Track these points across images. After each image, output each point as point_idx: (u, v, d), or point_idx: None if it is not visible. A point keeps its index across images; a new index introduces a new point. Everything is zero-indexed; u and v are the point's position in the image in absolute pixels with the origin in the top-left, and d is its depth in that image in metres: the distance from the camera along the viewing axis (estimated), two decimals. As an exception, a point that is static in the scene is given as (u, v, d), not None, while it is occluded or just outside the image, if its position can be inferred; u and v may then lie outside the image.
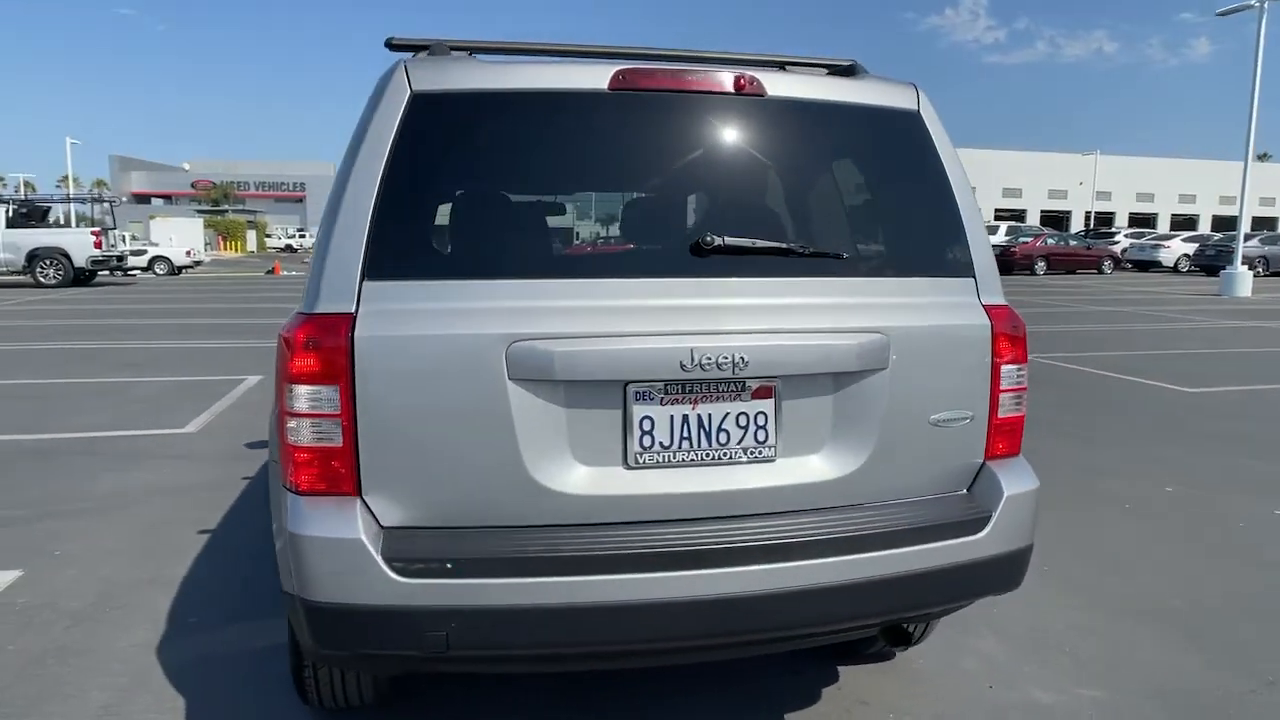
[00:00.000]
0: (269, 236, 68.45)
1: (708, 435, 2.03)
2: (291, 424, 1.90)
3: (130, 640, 3.06)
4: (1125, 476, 5.24)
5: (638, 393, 1.98)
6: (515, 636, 1.89)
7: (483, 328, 1.91)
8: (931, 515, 2.13)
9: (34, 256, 20.45)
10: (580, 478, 1.97)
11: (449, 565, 1.84)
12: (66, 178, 43.90)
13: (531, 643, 1.91)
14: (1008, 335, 2.24)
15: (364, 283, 1.92)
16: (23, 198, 26.83)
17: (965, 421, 2.21)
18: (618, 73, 2.06)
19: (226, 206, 66.45)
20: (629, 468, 2.00)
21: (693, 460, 2.02)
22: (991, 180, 57.38)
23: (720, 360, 1.96)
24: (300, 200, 76.52)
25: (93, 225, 23.88)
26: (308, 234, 68.21)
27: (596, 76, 2.06)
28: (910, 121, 2.26)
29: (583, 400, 1.96)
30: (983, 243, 2.28)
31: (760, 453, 2.06)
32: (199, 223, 56.27)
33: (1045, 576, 3.73)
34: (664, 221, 2.29)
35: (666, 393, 2.00)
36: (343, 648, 1.91)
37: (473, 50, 2.17)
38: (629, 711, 2.68)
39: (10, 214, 20.79)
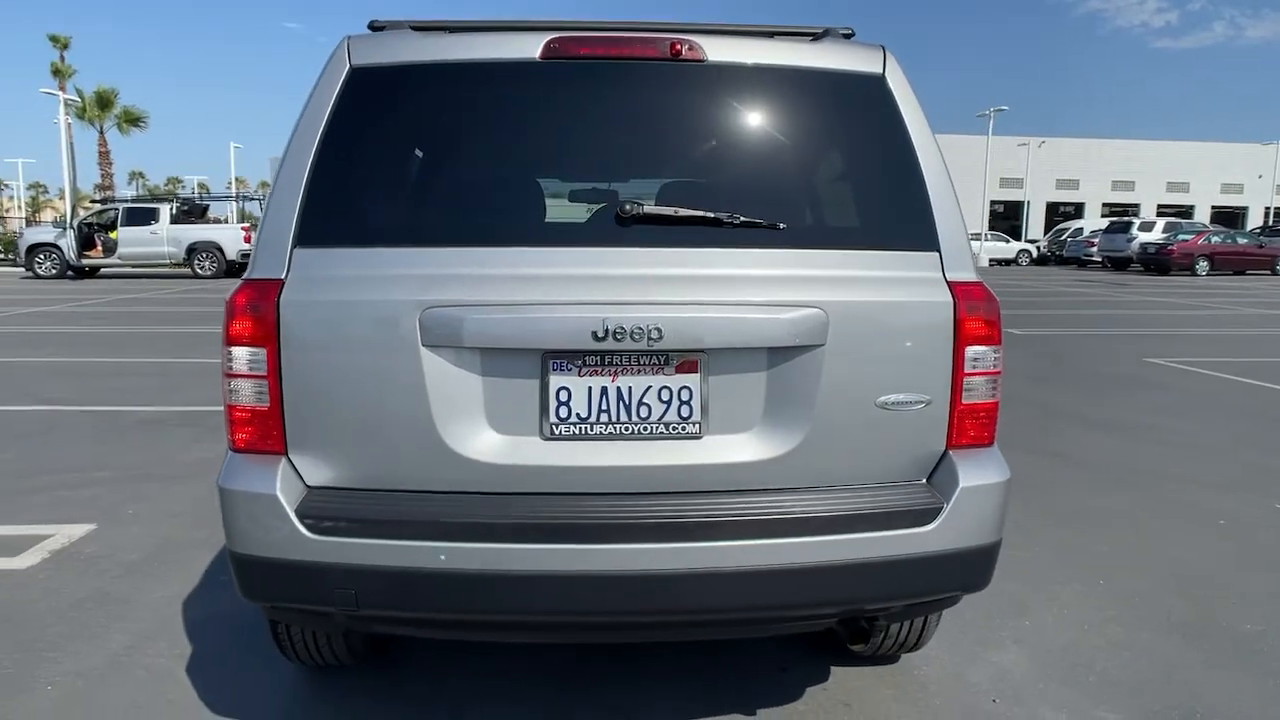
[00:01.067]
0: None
1: (627, 409, 1.97)
2: (229, 385, 1.99)
3: (164, 592, 3.30)
4: (1234, 491, 4.71)
5: (555, 363, 1.95)
6: (420, 600, 1.91)
7: (398, 294, 1.93)
8: (875, 503, 1.99)
9: (193, 250, 22.42)
10: (495, 446, 1.96)
11: (356, 525, 1.88)
12: (232, 180, 47.95)
13: (436, 607, 1.92)
14: (974, 315, 2.06)
15: (294, 250, 1.99)
16: (185, 196, 29.46)
17: (920, 406, 2.04)
18: (549, 41, 2.03)
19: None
20: (545, 438, 1.97)
21: (611, 434, 1.97)
22: (1155, 174, 52.97)
23: (634, 330, 1.90)
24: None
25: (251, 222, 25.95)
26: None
27: (528, 46, 2.04)
28: (873, 86, 2.11)
29: (500, 369, 1.95)
30: (952, 216, 2.10)
31: (684, 429, 1.98)
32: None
33: (1095, 590, 3.41)
34: (586, 190, 2.25)
35: (585, 364, 1.95)
36: (264, 598, 1.99)
37: (441, 28, 2.20)
38: (597, 693, 2.65)
39: (174, 212, 22.88)
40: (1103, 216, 42.59)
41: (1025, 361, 9.28)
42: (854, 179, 2.22)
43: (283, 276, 1.98)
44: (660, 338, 1.91)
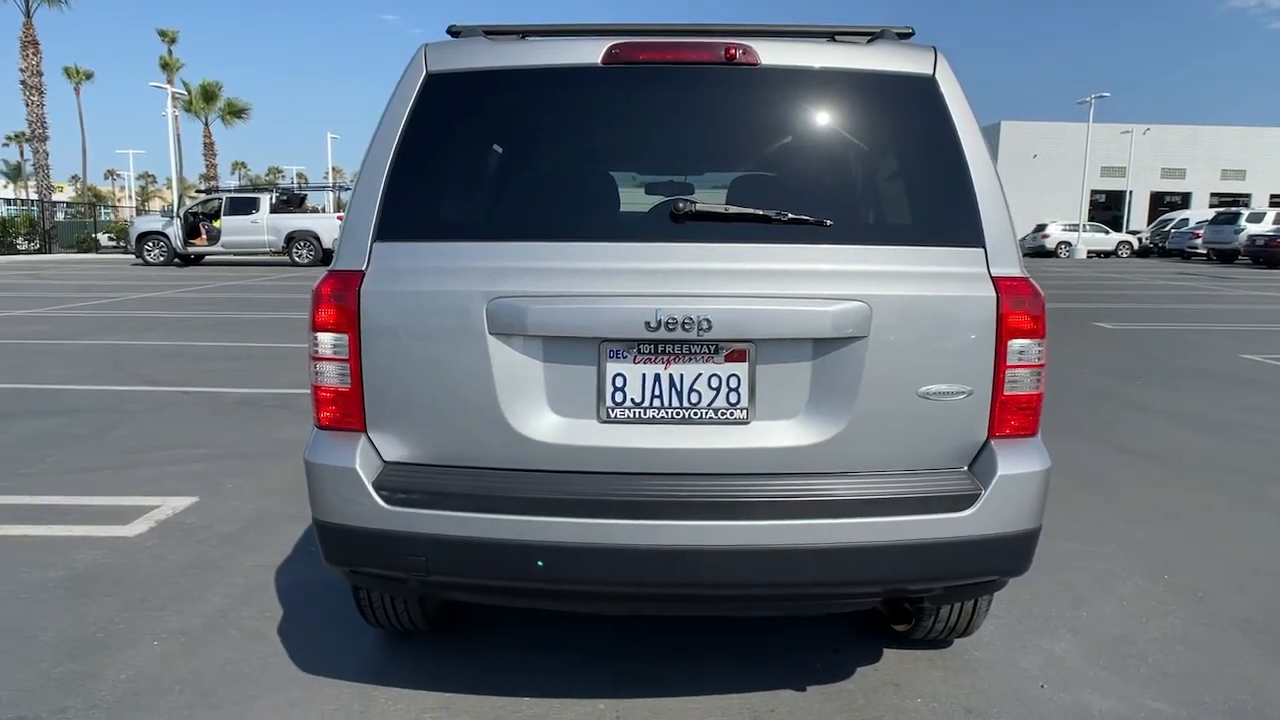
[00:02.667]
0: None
1: (679, 394, 2.09)
2: (315, 367, 2.19)
3: (256, 561, 3.58)
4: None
5: (611, 351, 2.08)
6: (485, 568, 2.07)
7: (467, 285, 2.09)
8: (913, 488, 2.06)
9: (291, 238, 23.49)
10: (555, 427, 2.11)
11: (427, 497, 2.05)
12: (329, 170, 49.79)
13: (500, 575, 2.08)
14: (1018, 309, 2.10)
15: (374, 244, 2.17)
16: (284, 186, 30.84)
17: (962, 396, 2.10)
18: (611, 47, 2.15)
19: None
20: (602, 421, 2.11)
21: (664, 418, 2.10)
22: (1269, 163, 49.77)
23: (685, 321, 2.01)
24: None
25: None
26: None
27: (592, 51, 2.16)
28: (923, 86, 2.17)
29: (560, 355, 2.10)
30: (998, 212, 2.14)
31: (732, 414, 2.09)
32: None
33: (1159, 585, 3.37)
34: (650, 188, 2.35)
35: (639, 352, 2.08)
36: (344, 563, 2.18)
37: (512, 33, 2.34)
38: (651, 663, 2.78)
39: (274, 201, 24.01)
40: (1210, 207, 40.29)
41: (1115, 356, 9.00)
42: (902, 177, 2.27)
43: (363, 268, 2.16)
44: (709, 328, 2.02)
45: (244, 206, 23.64)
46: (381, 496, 2.07)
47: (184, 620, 3.08)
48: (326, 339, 2.15)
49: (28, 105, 29.24)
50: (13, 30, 33.33)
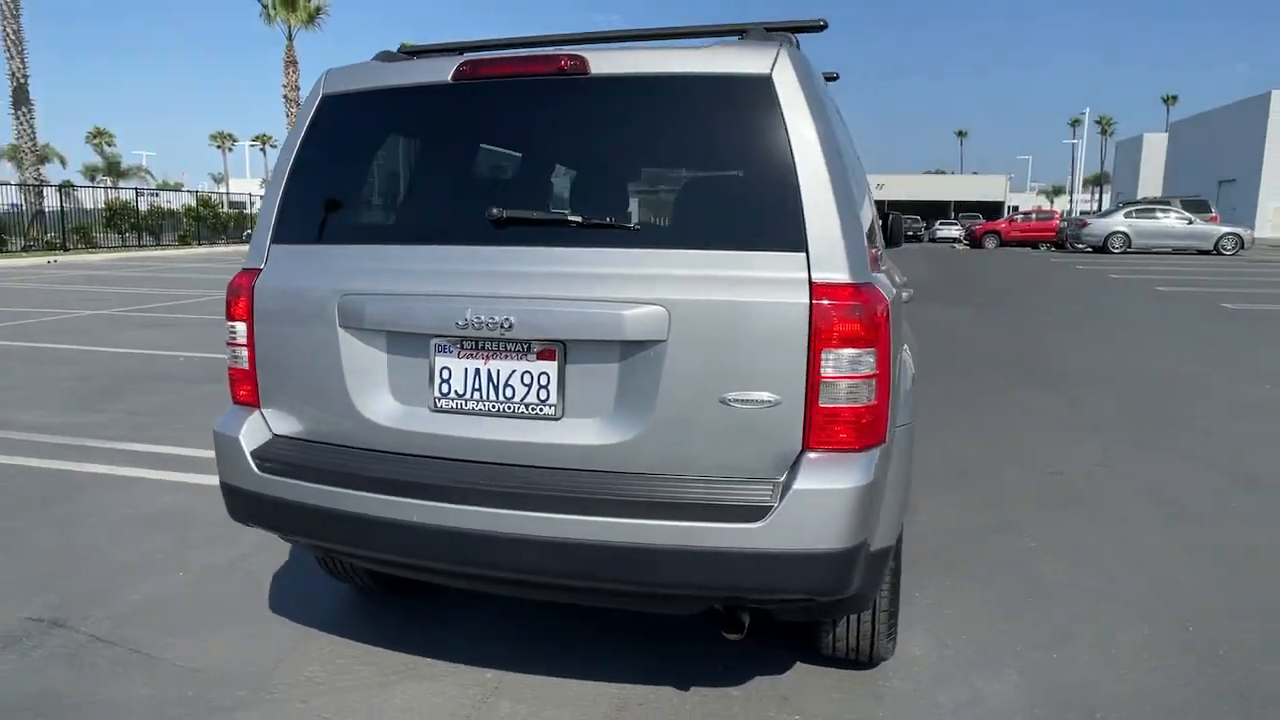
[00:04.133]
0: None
1: (496, 389, 2.20)
2: (229, 351, 2.53)
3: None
4: None
5: (439, 346, 2.24)
6: (328, 533, 2.31)
7: (326, 283, 2.33)
8: (708, 495, 2.04)
9: None
10: (393, 414, 2.30)
11: (285, 467, 2.32)
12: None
13: (339, 541, 2.31)
14: (838, 316, 2.01)
15: (271, 245, 2.46)
16: None
17: (768, 405, 2.04)
18: (460, 65, 2.29)
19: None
20: (432, 410, 2.27)
21: (483, 410, 2.22)
22: None
23: (489, 321, 2.12)
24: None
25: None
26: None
27: (445, 69, 2.31)
28: (756, 87, 2.10)
29: (399, 348, 2.29)
30: (828, 217, 2.04)
31: (542, 410, 2.17)
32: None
33: (1171, 633, 3.00)
34: (491, 195, 2.45)
35: (462, 348, 2.22)
36: (236, 518, 2.50)
37: (405, 54, 2.55)
38: (549, 646, 2.90)
39: None
40: None
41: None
42: (725, 180, 2.22)
43: (261, 266, 2.46)
44: (510, 328, 2.12)
45: None
46: (256, 464, 2.37)
47: (212, 559, 3.60)
48: (232, 327, 2.48)
49: (288, 116, 33.25)
50: (277, 52, 38.06)
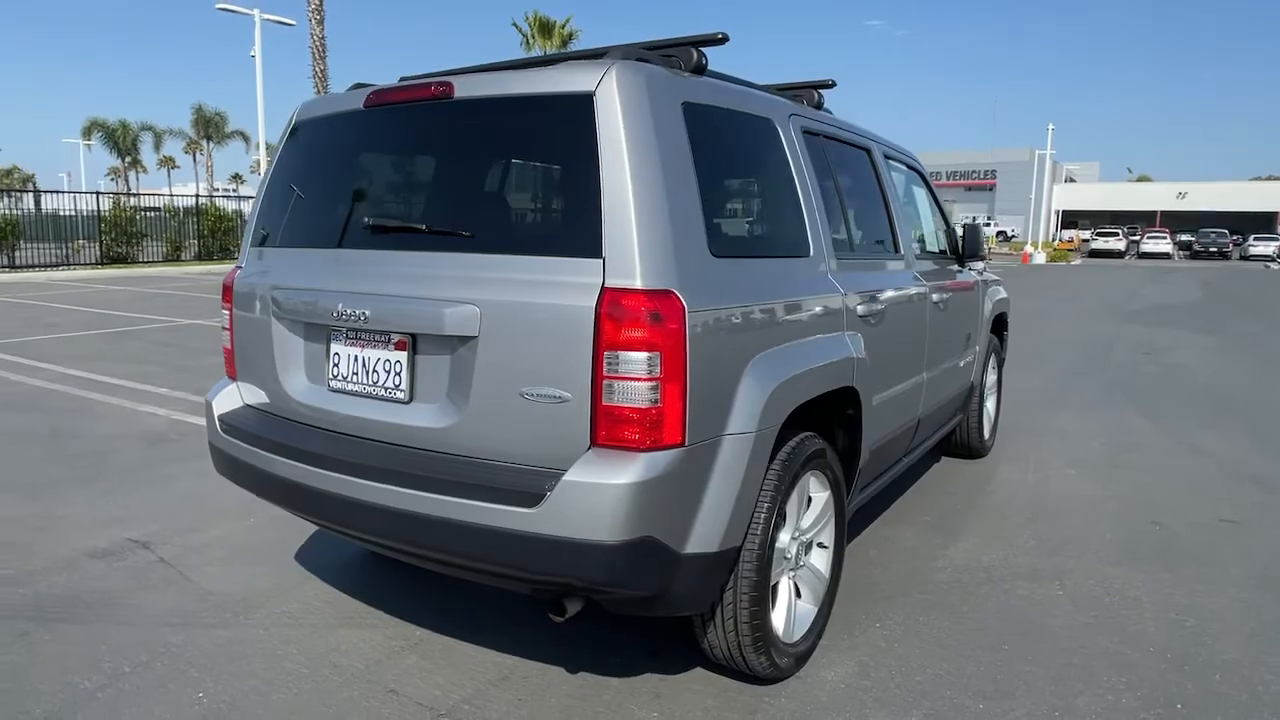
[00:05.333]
0: (953, 225, 69.91)
1: (367, 373, 2.52)
2: (224, 335, 3.09)
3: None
4: None
5: (334, 334, 2.61)
6: (256, 486, 2.76)
7: (267, 280, 2.79)
8: (500, 479, 2.21)
9: None
10: (304, 391, 2.71)
11: (232, 430, 2.81)
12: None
13: (263, 494, 2.75)
14: (622, 320, 2.10)
15: (249, 249, 2.98)
16: None
17: (558, 401, 2.17)
18: (370, 94, 2.64)
19: (916, 196, 70.16)
20: (328, 390, 2.64)
21: (359, 391, 2.55)
22: None
23: (352, 314, 2.45)
24: (990, 188, 76.08)
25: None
26: (993, 222, 67.62)
27: (360, 99, 2.68)
28: (577, 104, 2.23)
29: (309, 335, 2.69)
30: (626, 227, 2.13)
31: (396, 394, 2.46)
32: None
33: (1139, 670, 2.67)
34: (374, 206, 2.74)
35: (347, 336, 2.56)
36: (217, 470, 3.04)
37: (360, 86, 2.95)
38: (479, 615, 3.16)
39: None
40: None
41: None
42: (542, 191, 2.35)
43: (241, 265, 2.99)
44: (367, 320, 2.43)
45: None
46: (220, 426, 2.89)
47: (277, 511, 4.30)
48: (222, 313, 3.03)
49: None
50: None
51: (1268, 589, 3.53)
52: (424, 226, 2.47)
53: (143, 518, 4.17)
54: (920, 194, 4.45)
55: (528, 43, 33.81)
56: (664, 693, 2.72)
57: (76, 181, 56.71)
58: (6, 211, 21.56)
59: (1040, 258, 37.72)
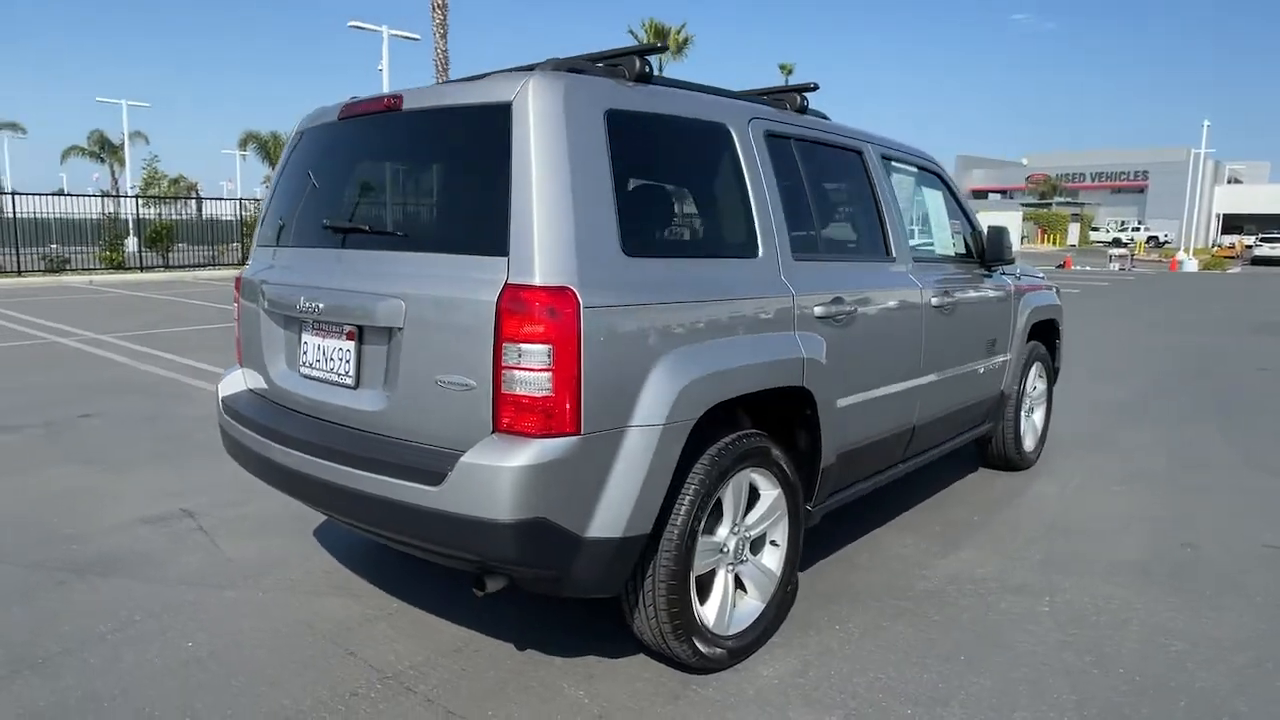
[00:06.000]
0: (1095, 230, 65.91)
1: (326, 360, 2.77)
2: (235, 326, 3.44)
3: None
4: None
5: (303, 324, 2.88)
6: (245, 461, 3.07)
7: (260, 275, 3.10)
8: (412, 459, 2.40)
9: None
10: (282, 375, 2.99)
11: (230, 411, 3.14)
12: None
13: (248, 468, 3.06)
14: (520, 314, 2.25)
15: (255, 248, 3.32)
16: None
17: (466, 389, 2.34)
18: (343, 107, 2.90)
19: (1053, 199, 66.48)
20: (300, 375, 2.91)
21: (320, 377, 2.81)
22: None
23: (309, 306, 2.71)
24: (1141, 190, 71.03)
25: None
26: (1144, 227, 63.08)
27: (337, 111, 2.94)
28: (498, 113, 2.39)
29: (287, 325, 2.98)
30: (528, 227, 2.27)
31: (345, 380, 2.70)
32: (1017, 216, 58.19)
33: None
34: (336, 208, 2.97)
35: (314, 327, 2.83)
36: (225, 450, 3.38)
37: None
38: (455, 593, 3.37)
39: None
40: None
41: None
42: (464, 194, 2.50)
43: (250, 262, 3.33)
44: (320, 312, 2.68)
45: None
46: (223, 408, 3.23)
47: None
48: (234, 307, 3.39)
49: None
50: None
51: (1286, 619, 3.28)
52: (367, 227, 2.72)
53: (196, 491, 4.64)
54: (934, 196, 4.36)
55: (643, 49, 34.42)
56: (598, 674, 2.84)
57: (235, 189, 61.93)
58: (160, 216, 23.72)
59: (1191, 265, 34.93)
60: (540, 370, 2.26)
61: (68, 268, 20.83)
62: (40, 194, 21.40)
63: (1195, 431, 6.36)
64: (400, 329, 2.51)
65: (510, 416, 2.30)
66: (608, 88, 2.58)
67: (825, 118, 3.74)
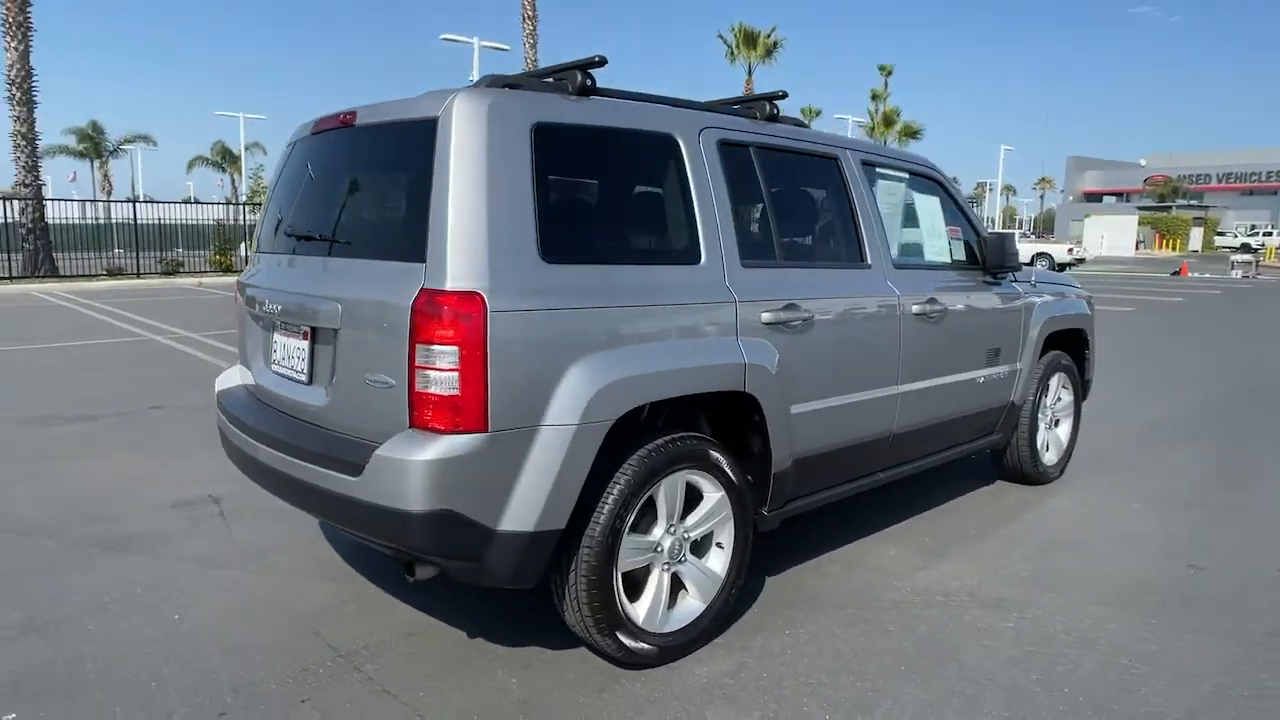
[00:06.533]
0: (1220, 234, 61.70)
1: (289, 358, 2.99)
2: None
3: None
4: None
5: (274, 325, 3.11)
6: (229, 453, 3.34)
7: (247, 279, 3.36)
8: (340, 451, 2.58)
9: (1033, 259, 25.73)
10: (260, 372, 3.23)
11: (220, 403, 3.42)
12: (995, 184, 49.31)
13: (230, 459, 3.32)
14: (431, 317, 2.39)
15: (253, 253, 3.60)
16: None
17: (388, 387, 2.50)
18: (315, 122, 3.12)
19: (1174, 202, 62.53)
20: (273, 373, 3.15)
21: (284, 374, 3.03)
22: None
23: (270, 309, 2.94)
24: (1275, 193, 66.09)
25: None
26: (1277, 231, 58.72)
27: (310, 126, 3.17)
28: (426, 128, 2.54)
29: (266, 325, 3.21)
30: (443, 234, 2.41)
31: (300, 377, 2.91)
32: (1133, 220, 55.12)
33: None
34: (301, 216, 3.17)
35: (281, 327, 3.06)
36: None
37: None
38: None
39: (1023, 233, 26.11)
40: None
41: None
42: (395, 204, 2.65)
43: (248, 267, 3.62)
44: (278, 313, 2.90)
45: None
46: (218, 404, 3.51)
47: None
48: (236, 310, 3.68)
49: None
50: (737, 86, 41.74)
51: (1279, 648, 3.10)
52: (318, 235, 2.93)
53: (230, 479, 4.97)
54: (929, 202, 4.28)
55: (731, 54, 34.28)
56: (536, 664, 2.96)
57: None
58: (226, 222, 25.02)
59: (1319, 271, 32.28)
60: (448, 370, 2.40)
61: (181, 270, 22.41)
62: (160, 201, 23.23)
63: (1246, 453, 5.97)
64: (338, 329, 2.70)
65: (422, 413, 2.45)
66: (537, 102, 2.70)
67: (802, 125, 3.76)
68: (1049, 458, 5.10)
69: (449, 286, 2.42)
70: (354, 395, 2.67)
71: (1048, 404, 5.04)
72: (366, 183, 3.05)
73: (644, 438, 2.80)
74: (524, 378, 2.49)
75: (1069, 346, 5.17)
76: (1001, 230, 5.25)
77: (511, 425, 2.49)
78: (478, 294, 2.42)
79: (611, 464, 2.71)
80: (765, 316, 3.12)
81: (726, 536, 3.10)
